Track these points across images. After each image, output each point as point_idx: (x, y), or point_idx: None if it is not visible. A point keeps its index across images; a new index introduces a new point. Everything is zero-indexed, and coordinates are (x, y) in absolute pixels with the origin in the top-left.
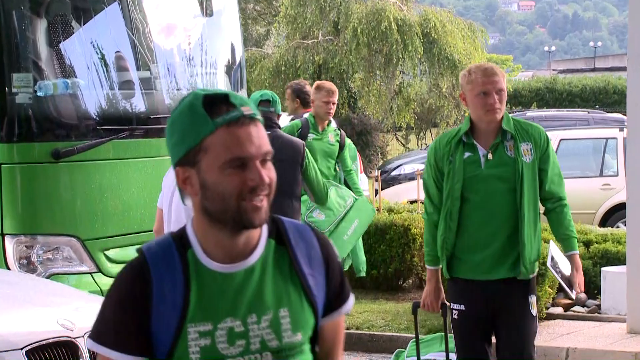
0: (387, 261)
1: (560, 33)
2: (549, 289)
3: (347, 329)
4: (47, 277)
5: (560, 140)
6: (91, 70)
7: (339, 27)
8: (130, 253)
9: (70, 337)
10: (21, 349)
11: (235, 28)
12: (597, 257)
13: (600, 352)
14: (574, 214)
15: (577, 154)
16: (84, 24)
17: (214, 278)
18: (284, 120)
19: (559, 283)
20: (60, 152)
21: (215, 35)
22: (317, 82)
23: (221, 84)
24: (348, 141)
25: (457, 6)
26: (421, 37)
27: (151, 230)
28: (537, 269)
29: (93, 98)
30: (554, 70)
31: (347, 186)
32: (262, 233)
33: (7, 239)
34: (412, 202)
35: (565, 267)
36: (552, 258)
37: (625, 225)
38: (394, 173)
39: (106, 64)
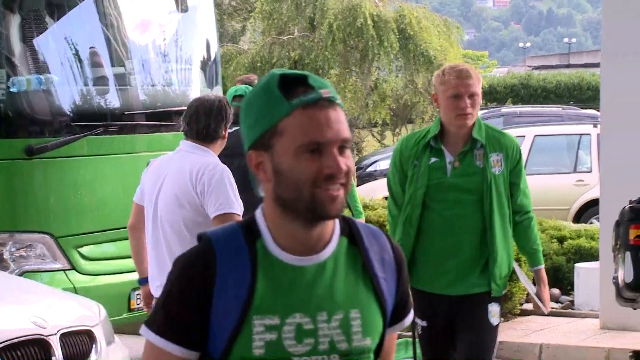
0: None
1: (535, 29)
2: (523, 286)
3: None
4: (20, 275)
5: (535, 136)
6: (65, 66)
7: (315, 23)
8: (106, 250)
9: (42, 335)
10: None
11: (210, 24)
12: (571, 253)
13: (573, 348)
14: (548, 210)
15: (551, 150)
16: (57, 20)
17: (284, 270)
18: None
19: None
20: (33, 149)
21: (190, 31)
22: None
23: (196, 80)
24: None
25: (432, 2)
26: (397, 33)
27: (121, 228)
28: (507, 285)
29: (67, 94)
30: (528, 66)
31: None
32: (335, 229)
33: None
34: (387, 199)
35: (528, 283)
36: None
37: (598, 221)
38: (369, 169)
39: (80, 60)
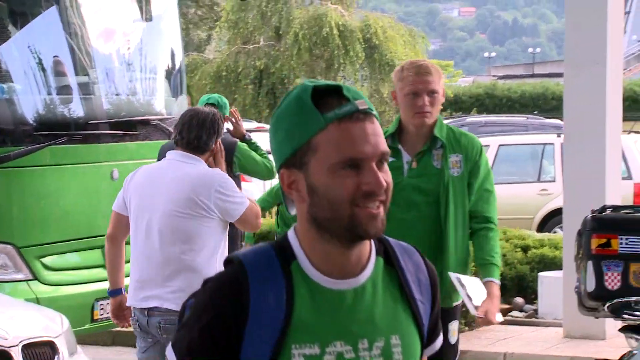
0: None
1: (500, 39)
2: None
3: None
4: None
5: (499, 145)
6: (28, 75)
7: (281, 32)
8: (69, 260)
9: (4, 346)
10: None
11: (175, 33)
12: (535, 262)
13: (537, 357)
14: (513, 219)
15: (515, 159)
16: (21, 28)
17: (322, 294)
18: None
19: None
20: None
21: (155, 40)
22: None
23: (160, 89)
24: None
25: (398, 12)
26: (362, 43)
27: (91, 237)
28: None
29: (30, 103)
30: (493, 76)
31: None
32: (371, 249)
33: None
34: None
35: (478, 291)
36: (459, 279)
37: (562, 230)
38: None
39: (44, 69)
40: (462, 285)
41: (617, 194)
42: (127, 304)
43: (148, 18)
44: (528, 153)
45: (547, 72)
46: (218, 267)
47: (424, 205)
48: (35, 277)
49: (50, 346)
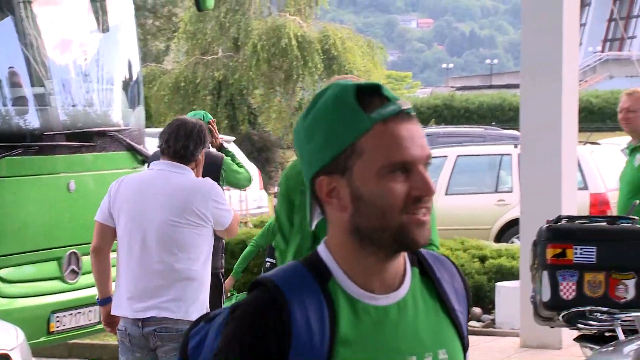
0: None
1: (457, 50)
2: None
3: None
4: None
5: (457, 156)
6: None
7: (239, 43)
8: (26, 272)
9: None
10: None
11: (132, 44)
12: (492, 272)
13: None
14: (470, 229)
15: (473, 170)
16: None
17: (367, 313)
18: None
19: None
20: None
21: (111, 51)
22: None
23: (117, 100)
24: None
25: (357, 23)
26: (321, 54)
27: (48, 249)
28: None
29: None
30: (451, 87)
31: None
32: (406, 260)
33: None
34: None
35: None
36: None
37: (519, 240)
38: None
39: None
40: None
41: (573, 205)
42: (119, 314)
43: (105, 29)
44: (486, 164)
45: (504, 83)
46: (209, 272)
47: None
48: None
49: (5, 359)
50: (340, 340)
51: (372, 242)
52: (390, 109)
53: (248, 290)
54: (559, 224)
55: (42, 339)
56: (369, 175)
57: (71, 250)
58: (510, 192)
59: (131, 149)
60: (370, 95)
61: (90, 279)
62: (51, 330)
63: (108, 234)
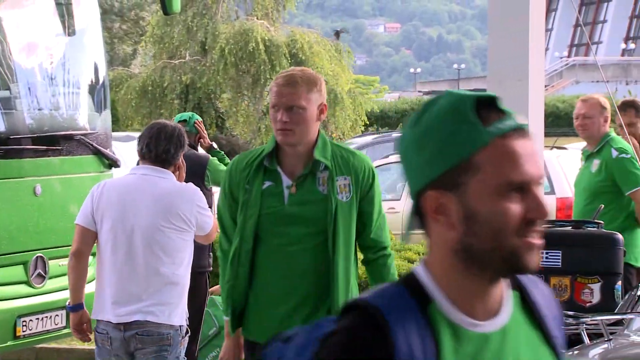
0: None
1: (425, 55)
2: None
3: None
4: None
5: None
6: None
7: (207, 47)
8: None
9: None
10: None
11: (98, 47)
12: None
13: None
14: None
15: None
16: None
17: (469, 340)
18: None
19: None
20: None
21: (77, 54)
22: None
23: (84, 104)
24: None
25: (324, 27)
26: (288, 58)
27: (14, 253)
28: None
29: None
30: (419, 91)
31: None
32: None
33: None
34: None
35: None
36: None
37: None
38: None
39: None
40: None
41: None
42: (102, 319)
43: (71, 32)
44: None
45: (472, 87)
46: (188, 278)
47: (308, 237)
48: None
49: None
50: None
51: (479, 263)
52: (508, 124)
53: (341, 313)
54: None
55: (8, 344)
56: (485, 194)
57: (37, 255)
58: None
59: (98, 153)
60: (487, 107)
61: (57, 283)
62: (18, 334)
63: (89, 238)
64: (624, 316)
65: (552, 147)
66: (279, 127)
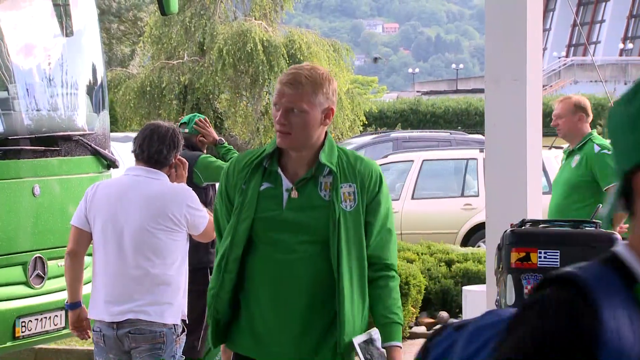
0: None
1: (423, 55)
2: (412, 308)
3: None
4: None
5: (423, 160)
6: None
7: (205, 48)
8: None
9: None
10: None
11: (96, 48)
12: (459, 276)
13: None
14: (437, 233)
15: (439, 174)
16: None
17: None
18: None
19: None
20: None
21: (75, 55)
22: None
23: (82, 104)
24: None
25: (322, 27)
26: (287, 58)
27: (12, 253)
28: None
29: None
30: (417, 91)
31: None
32: None
33: None
34: None
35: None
36: (372, 341)
37: (485, 244)
38: None
39: None
40: (366, 353)
41: (539, 209)
42: (95, 318)
43: (68, 33)
44: (452, 168)
45: (470, 87)
46: (185, 275)
47: (308, 246)
48: None
49: None
50: None
51: None
52: None
53: (539, 286)
54: (522, 228)
55: (7, 344)
56: None
57: (36, 255)
58: (477, 196)
59: (96, 154)
60: None
61: (56, 283)
62: (17, 335)
63: (84, 239)
64: None
65: (550, 147)
66: (277, 128)
